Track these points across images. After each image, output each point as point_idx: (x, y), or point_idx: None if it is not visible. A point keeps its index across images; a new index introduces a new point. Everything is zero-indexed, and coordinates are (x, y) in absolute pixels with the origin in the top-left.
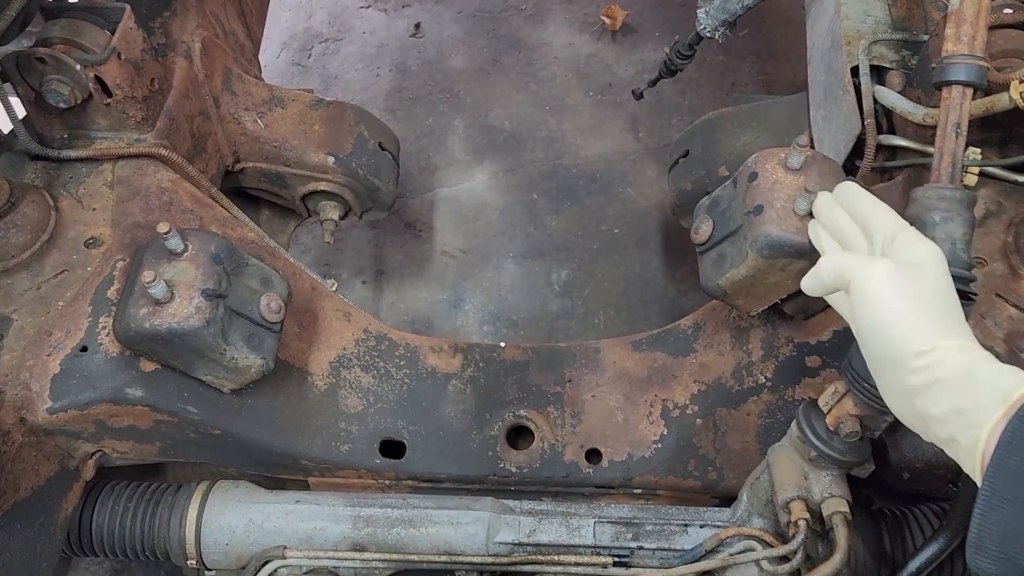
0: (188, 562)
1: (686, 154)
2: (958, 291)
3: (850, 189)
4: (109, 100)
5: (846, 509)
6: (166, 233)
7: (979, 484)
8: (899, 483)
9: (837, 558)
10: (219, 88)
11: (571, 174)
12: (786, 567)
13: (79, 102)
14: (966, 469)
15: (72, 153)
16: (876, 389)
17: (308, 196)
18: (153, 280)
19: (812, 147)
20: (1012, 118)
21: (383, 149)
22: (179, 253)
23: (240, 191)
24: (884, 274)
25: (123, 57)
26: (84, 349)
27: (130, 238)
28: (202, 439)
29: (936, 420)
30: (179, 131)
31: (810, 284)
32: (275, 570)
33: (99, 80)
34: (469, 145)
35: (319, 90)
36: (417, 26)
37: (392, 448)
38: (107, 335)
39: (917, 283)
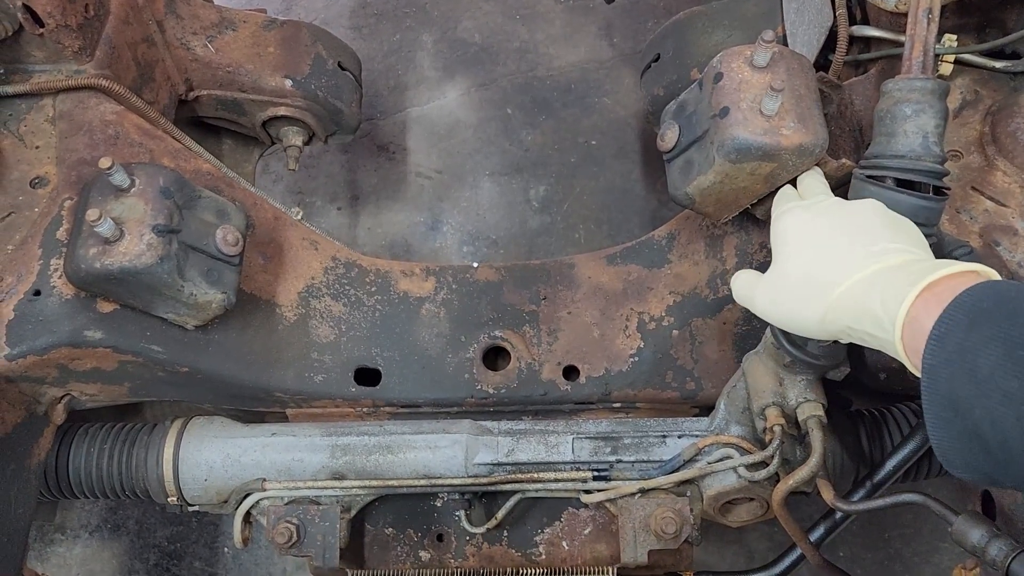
0: (168, 499)
1: (657, 58)
2: (933, 187)
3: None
4: (41, 30)
5: (821, 413)
6: (109, 168)
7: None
8: (876, 384)
9: (813, 461)
10: (162, 12)
11: (545, 86)
12: (763, 472)
13: (10, 34)
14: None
15: (9, 89)
16: None
17: (269, 122)
18: (99, 218)
19: (785, 43)
20: (989, 1)
21: (343, 69)
22: (126, 189)
23: (199, 121)
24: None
25: None
26: (37, 293)
27: (76, 175)
28: (171, 377)
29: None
30: (121, 60)
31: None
32: (256, 502)
33: (28, 9)
34: (439, 61)
35: (280, 10)
36: None
37: (368, 376)
38: (60, 278)
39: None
